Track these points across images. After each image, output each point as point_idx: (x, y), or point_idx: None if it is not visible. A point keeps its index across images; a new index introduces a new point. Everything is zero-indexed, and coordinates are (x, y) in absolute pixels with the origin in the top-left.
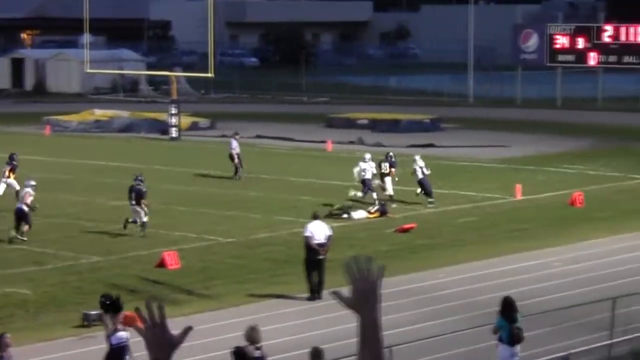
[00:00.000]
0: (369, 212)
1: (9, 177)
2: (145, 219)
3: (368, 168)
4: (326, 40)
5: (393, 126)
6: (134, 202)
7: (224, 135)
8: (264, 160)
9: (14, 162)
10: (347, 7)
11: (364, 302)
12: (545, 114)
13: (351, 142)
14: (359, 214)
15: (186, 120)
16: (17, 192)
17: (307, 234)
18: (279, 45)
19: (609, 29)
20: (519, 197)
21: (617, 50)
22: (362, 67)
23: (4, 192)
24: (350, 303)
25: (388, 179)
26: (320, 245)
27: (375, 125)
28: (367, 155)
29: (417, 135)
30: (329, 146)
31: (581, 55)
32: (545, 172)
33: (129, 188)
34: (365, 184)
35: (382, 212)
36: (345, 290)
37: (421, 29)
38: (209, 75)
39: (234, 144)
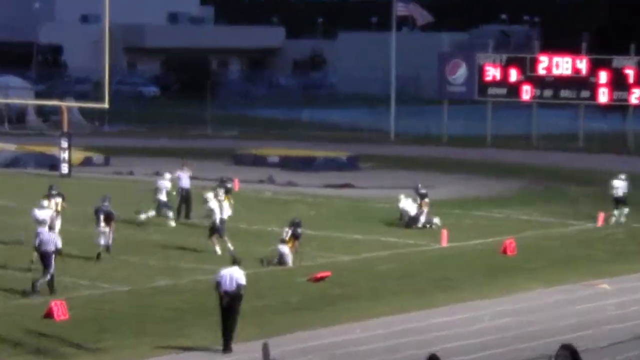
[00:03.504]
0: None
1: None
2: (110, 242)
3: (621, 186)
4: (234, 68)
5: (306, 164)
6: (102, 224)
7: (118, 172)
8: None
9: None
10: (257, 33)
11: None
12: (473, 153)
13: (260, 181)
14: (289, 260)
15: (78, 155)
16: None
17: (217, 279)
18: (182, 74)
19: (544, 60)
20: (445, 244)
21: (553, 84)
22: (273, 98)
23: None
24: None
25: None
26: (226, 293)
27: (286, 163)
28: (622, 175)
29: (332, 174)
30: (236, 185)
31: (514, 89)
32: (473, 217)
33: (94, 210)
34: (618, 201)
35: (295, 236)
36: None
37: (338, 58)
38: (104, 105)
39: (182, 176)
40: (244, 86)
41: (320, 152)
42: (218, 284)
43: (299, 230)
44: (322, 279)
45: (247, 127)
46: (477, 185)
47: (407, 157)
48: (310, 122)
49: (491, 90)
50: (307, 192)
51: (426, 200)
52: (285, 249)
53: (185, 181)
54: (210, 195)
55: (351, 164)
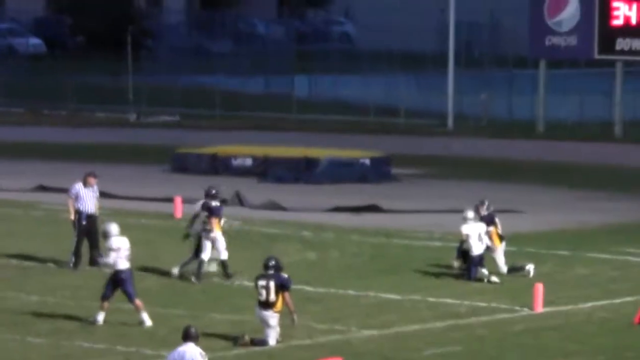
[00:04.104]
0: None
1: None
2: None
3: None
4: (174, 6)
5: (301, 171)
6: None
7: None
8: (54, 232)
9: None
10: None
11: None
12: (590, 151)
13: (222, 202)
14: (273, 336)
15: None
16: None
17: None
18: (85, 17)
19: None
20: (539, 308)
21: None
22: (243, 58)
23: None
24: None
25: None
26: None
27: (267, 169)
28: None
29: (346, 188)
30: (178, 209)
31: None
32: (590, 262)
33: None
34: None
35: (283, 287)
36: None
37: None
38: None
39: (85, 194)
40: (192, 38)
41: (325, 151)
42: None
43: (284, 276)
44: None
45: (197, 108)
46: (596, 208)
47: (475, 159)
48: (308, 99)
49: (622, 44)
50: (302, 220)
51: (497, 227)
52: (270, 317)
53: (90, 203)
54: (114, 227)
55: (379, 171)
